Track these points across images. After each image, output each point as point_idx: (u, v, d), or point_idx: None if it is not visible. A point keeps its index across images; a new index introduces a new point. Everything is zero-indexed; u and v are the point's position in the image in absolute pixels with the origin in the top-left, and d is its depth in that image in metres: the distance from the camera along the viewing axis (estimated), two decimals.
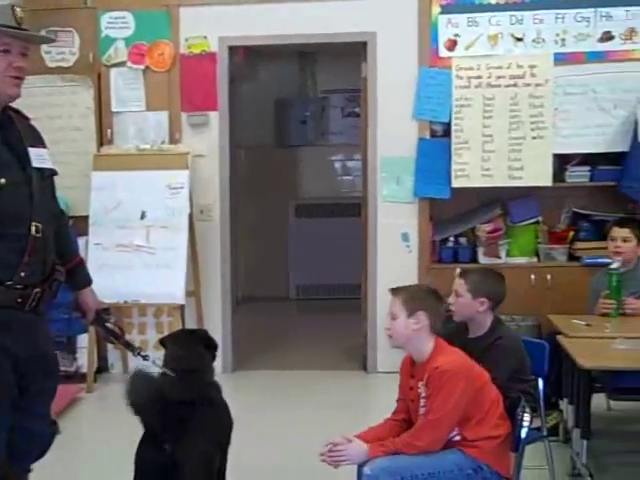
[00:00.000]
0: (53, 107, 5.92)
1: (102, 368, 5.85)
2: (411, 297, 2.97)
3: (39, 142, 2.75)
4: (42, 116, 5.86)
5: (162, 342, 3.37)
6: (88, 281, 2.98)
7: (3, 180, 2.49)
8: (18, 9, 2.53)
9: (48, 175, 2.72)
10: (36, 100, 5.83)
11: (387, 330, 3.04)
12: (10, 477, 2.74)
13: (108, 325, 3.09)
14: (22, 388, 2.65)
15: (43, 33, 5.72)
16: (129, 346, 3.33)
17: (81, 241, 5.64)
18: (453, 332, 3.46)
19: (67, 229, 2.99)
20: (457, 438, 2.88)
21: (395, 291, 3.03)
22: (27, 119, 2.75)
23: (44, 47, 5.86)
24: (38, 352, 2.69)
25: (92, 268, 5.40)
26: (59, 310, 3.06)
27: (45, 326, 2.78)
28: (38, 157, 2.65)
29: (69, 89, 5.90)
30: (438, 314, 2.98)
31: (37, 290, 2.58)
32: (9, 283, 2.50)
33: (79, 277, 2.93)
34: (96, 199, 5.61)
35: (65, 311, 3.06)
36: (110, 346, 5.82)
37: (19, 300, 2.54)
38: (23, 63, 2.55)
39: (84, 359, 5.61)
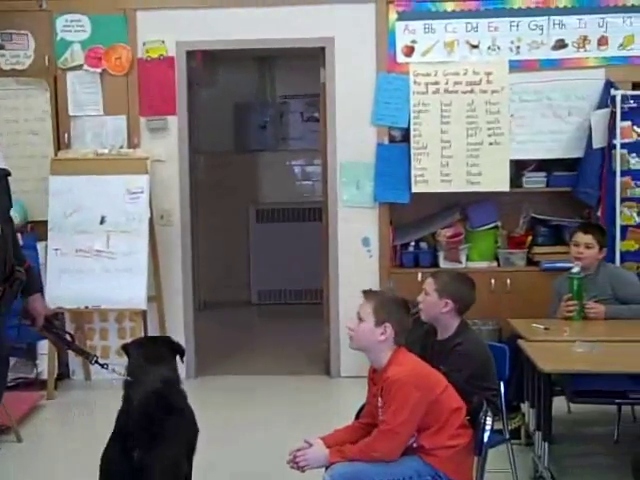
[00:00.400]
0: (9, 110, 5.86)
1: (63, 375, 5.77)
2: (382, 306, 2.99)
3: None
4: None
5: (125, 348, 3.33)
6: (38, 287, 3.03)
7: None
8: None
9: (2, 175, 2.84)
10: None
11: (349, 330, 3.06)
12: None
13: (58, 332, 3.09)
14: None
15: None
16: (83, 353, 3.32)
17: (40, 246, 5.60)
18: (422, 334, 3.51)
19: (15, 234, 3.04)
20: (415, 445, 2.91)
21: (368, 295, 3.05)
22: None
23: None
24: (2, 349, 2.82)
25: (52, 273, 5.47)
26: (17, 316, 3.03)
27: (2, 326, 2.85)
28: None
29: (24, 92, 5.84)
30: (404, 327, 3.01)
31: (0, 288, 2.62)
32: None
33: (28, 283, 2.95)
34: (54, 204, 5.55)
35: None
36: (72, 353, 5.76)
37: None
38: None
39: (44, 365, 5.53)
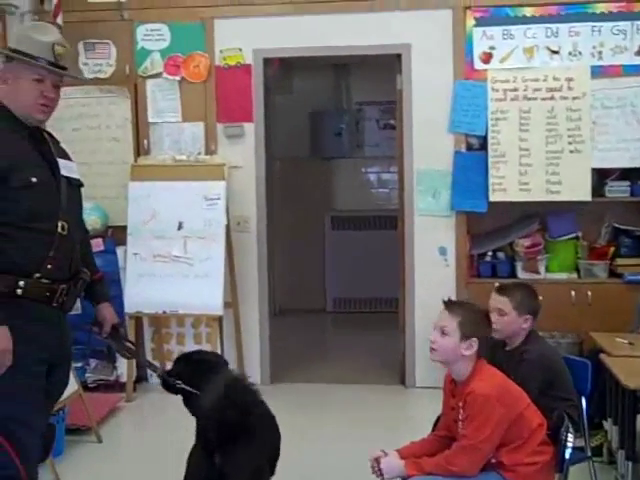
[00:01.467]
0: (91, 118, 5.99)
1: (141, 378, 5.86)
2: (469, 321, 2.94)
3: (67, 157, 3.00)
4: (81, 126, 5.99)
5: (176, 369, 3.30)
6: (107, 297, 3.14)
7: (34, 179, 2.71)
8: (58, 47, 2.82)
9: (76, 185, 2.96)
10: (74, 111, 5.93)
11: (431, 343, 3.00)
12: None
13: (123, 341, 3.21)
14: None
15: (81, 44, 5.87)
16: (150, 365, 3.40)
17: (119, 251, 5.71)
18: (491, 346, 3.45)
19: (89, 246, 3.20)
20: (493, 461, 2.87)
21: (451, 308, 3.00)
22: (57, 141, 3.00)
23: (82, 59, 5.95)
24: (64, 345, 2.90)
25: (131, 278, 5.57)
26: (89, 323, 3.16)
27: (68, 324, 2.94)
28: (66, 167, 2.92)
29: (106, 100, 5.96)
30: (487, 340, 2.98)
31: (63, 286, 2.77)
32: (37, 276, 2.68)
33: (99, 292, 3.10)
34: (133, 209, 5.65)
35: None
36: (149, 356, 5.86)
37: (47, 294, 2.72)
38: (54, 94, 2.83)
39: (124, 368, 5.64)
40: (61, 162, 2.88)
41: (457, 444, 2.86)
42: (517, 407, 2.86)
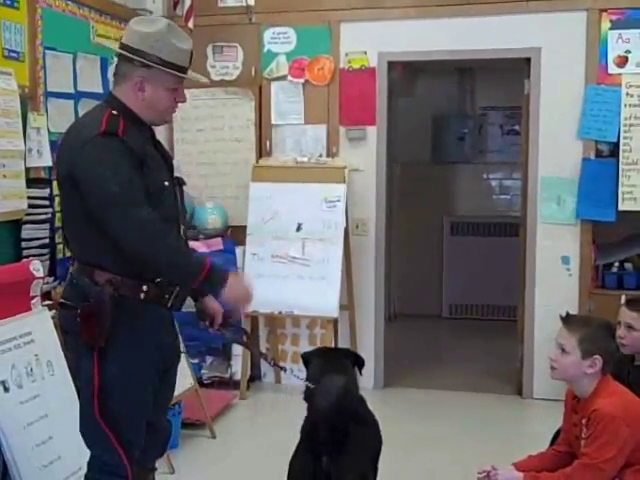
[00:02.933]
0: (215, 119, 6.11)
1: (255, 376, 5.94)
2: (589, 338, 2.82)
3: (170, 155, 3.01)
4: (206, 127, 6.12)
5: (305, 357, 3.37)
6: (207, 290, 3.05)
7: (166, 182, 2.73)
8: (192, 53, 2.79)
9: (182, 184, 2.94)
10: (200, 112, 6.07)
11: (552, 361, 2.90)
12: (140, 475, 2.85)
13: (235, 330, 3.20)
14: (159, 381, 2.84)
15: (210, 47, 6.00)
16: (262, 355, 3.40)
17: (238, 250, 5.79)
18: (618, 359, 3.28)
19: (187, 241, 3.17)
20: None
21: (570, 325, 2.88)
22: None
23: (210, 62, 6.08)
24: (176, 346, 2.96)
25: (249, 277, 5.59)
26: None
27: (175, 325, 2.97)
28: (175, 168, 2.91)
29: (231, 101, 6.06)
30: (612, 355, 2.85)
31: (177, 288, 2.75)
32: (158, 280, 2.68)
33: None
34: (254, 210, 5.71)
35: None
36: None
37: (165, 296, 2.73)
38: (184, 97, 2.83)
39: (238, 366, 5.71)
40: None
41: (579, 462, 2.74)
42: None
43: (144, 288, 2.67)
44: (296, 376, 3.18)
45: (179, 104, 2.82)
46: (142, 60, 2.65)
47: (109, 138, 2.57)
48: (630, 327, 3.29)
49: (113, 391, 2.67)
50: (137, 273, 2.65)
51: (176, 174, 2.90)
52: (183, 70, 2.73)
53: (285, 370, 3.28)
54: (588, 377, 2.82)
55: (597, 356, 2.79)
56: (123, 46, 2.71)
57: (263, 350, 5.94)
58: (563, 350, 2.85)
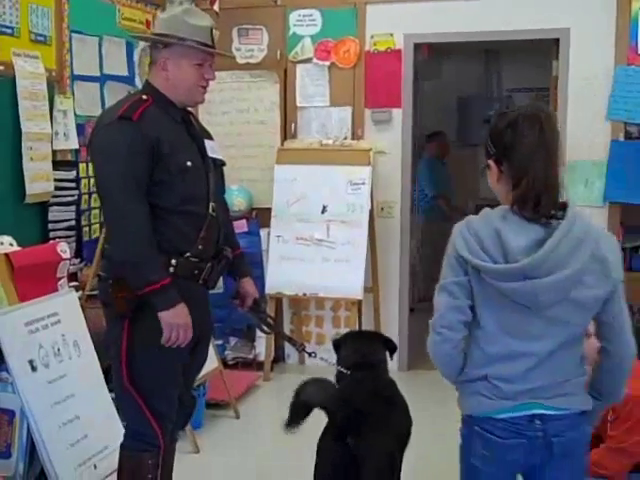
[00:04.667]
0: (241, 101, 6.10)
1: (279, 358, 5.97)
2: None
3: (210, 137, 3.09)
4: (231, 110, 6.12)
5: (337, 343, 3.38)
6: (248, 271, 3.21)
7: (189, 163, 2.80)
8: (215, 31, 2.90)
9: (219, 165, 3.04)
10: (226, 95, 6.06)
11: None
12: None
13: (263, 315, 3.28)
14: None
15: (235, 30, 5.99)
16: (290, 340, 3.44)
17: (263, 233, 5.80)
18: None
19: (231, 224, 3.27)
20: None
21: None
22: (197, 119, 3.08)
23: (235, 44, 6.05)
24: (208, 321, 3.03)
25: (273, 260, 5.65)
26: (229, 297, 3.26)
27: (210, 301, 3.07)
28: (211, 148, 2.98)
29: (256, 84, 6.06)
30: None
31: (209, 264, 2.85)
32: (187, 255, 2.78)
33: (240, 266, 3.18)
34: (278, 192, 5.71)
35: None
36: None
37: (195, 272, 2.82)
38: (213, 75, 2.91)
39: (262, 348, 5.74)
40: (207, 143, 2.95)
41: (606, 446, 2.72)
42: None
43: (173, 262, 2.75)
44: (324, 359, 3.21)
45: (209, 82, 2.91)
46: (162, 40, 2.80)
47: (122, 123, 2.69)
48: None
49: (140, 359, 2.77)
50: (167, 247, 2.74)
51: (214, 155, 2.98)
52: (204, 46, 2.83)
53: (314, 356, 3.30)
54: None
55: None
56: (144, 35, 2.93)
57: (287, 332, 5.97)
58: (588, 335, 2.83)
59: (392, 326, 5.80)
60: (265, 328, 3.33)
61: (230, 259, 3.03)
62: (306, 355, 5.37)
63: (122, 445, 2.92)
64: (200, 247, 2.81)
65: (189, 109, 3.00)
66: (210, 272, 2.86)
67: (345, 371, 3.14)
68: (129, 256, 2.67)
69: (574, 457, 2.24)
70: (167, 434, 2.87)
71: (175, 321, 2.68)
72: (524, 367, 2.15)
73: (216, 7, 5.70)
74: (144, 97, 2.78)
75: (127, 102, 2.77)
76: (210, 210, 2.84)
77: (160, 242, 2.72)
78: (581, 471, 2.29)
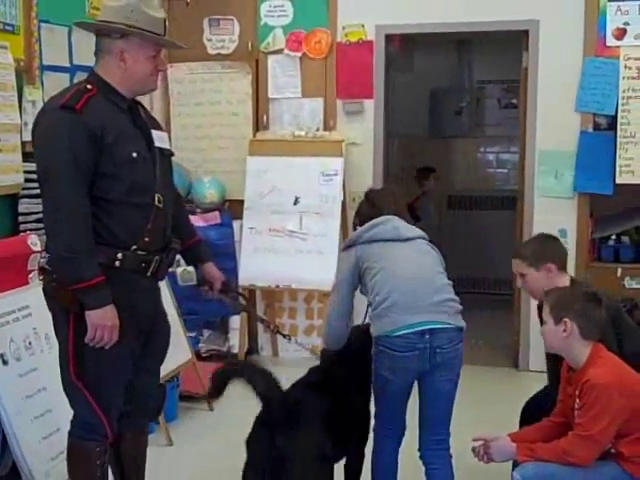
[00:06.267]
0: (212, 93, 6.09)
1: (252, 350, 5.97)
2: (558, 303, 2.84)
3: (159, 126, 3.06)
4: (202, 101, 6.09)
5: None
6: (210, 256, 3.22)
7: (135, 154, 2.76)
8: (167, 22, 2.89)
9: (167, 155, 3.00)
10: (197, 86, 6.05)
11: (541, 334, 2.95)
12: (126, 436, 2.99)
13: (235, 295, 3.34)
14: (142, 346, 2.92)
15: (206, 20, 5.96)
16: (263, 321, 3.47)
17: (235, 224, 5.79)
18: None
19: (185, 210, 3.28)
20: (612, 451, 2.76)
21: (546, 295, 2.92)
22: (145, 109, 3.03)
23: (206, 35, 6.03)
24: (158, 311, 3.02)
25: (246, 251, 5.64)
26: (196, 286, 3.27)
27: (159, 291, 3.06)
28: (159, 138, 2.93)
29: (227, 75, 6.04)
30: (590, 319, 2.81)
31: (157, 257, 2.83)
32: (134, 248, 2.76)
33: (202, 253, 3.19)
34: (251, 184, 5.71)
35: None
36: (260, 328, 5.95)
37: (142, 265, 2.79)
38: (165, 66, 2.95)
39: (236, 340, 5.75)
40: (154, 133, 2.91)
41: (573, 433, 2.76)
42: (638, 397, 2.73)
43: (119, 256, 2.73)
44: (300, 344, 3.27)
45: (160, 73, 2.92)
46: (121, 29, 2.74)
47: (65, 112, 2.65)
48: (521, 275, 3.28)
49: (87, 354, 2.75)
50: (112, 240, 2.72)
51: (161, 145, 2.94)
52: (159, 37, 2.82)
53: (288, 339, 3.41)
54: (570, 344, 2.82)
55: (566, 319, 2.79)
56: (100, 23, 2.81)
57: (260, 324, 5.97)
58: (543, 322, 2.89)
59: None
60: (239, 307, 3.35)
61: (178, 250, 3.02)
62: (279, 347, 5.45)
63: (70, 433, 2.92)
64: (147, 239, 2.77)
65: (137, 99, 2.96)
66: (158, 265, 2.84)
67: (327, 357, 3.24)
68: (63, 249, 2.62)
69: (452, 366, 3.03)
70: (114, 423, 2.87)
71: (102, 322, 2.66)
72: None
73: None
74: (88, 86, 2.73)
75: (70, 91, 2.74)
76: (157, 201, 2.81)
77: (105, 235, 2.70)
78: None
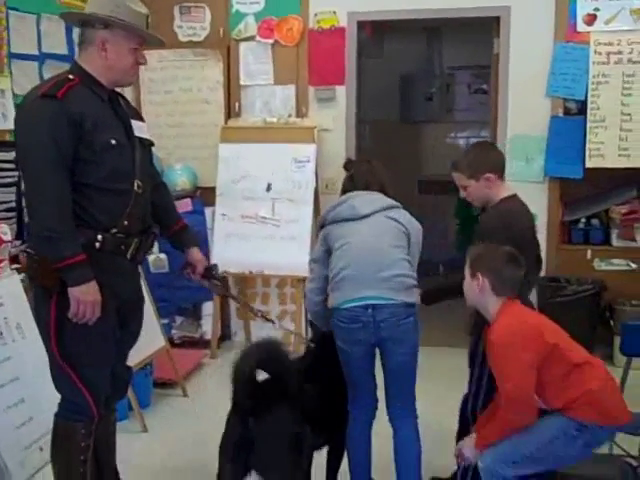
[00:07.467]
0: (184, 80, 6.05)
1: (225, 336, 5.98)
2: (475, 258, 2.89)
3: (139, 117, 3.14)
4: (173, 89, 6.05)
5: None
6: (195, 241, 3.32)
7: (113, 141, 2.84)
8: (149, 18, 2.97)
9: (147, 144, 3.08)
10: (168, 73, 6.01)
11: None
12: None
13: (215, 281, 3.37)
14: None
15: (177, 8, 5.92)
16: (246, 306, 3.53)
17: (207, 211, 5.78)
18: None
19: (170, 197, 3.39)
20: (550, 409, 2.77)
21: (470, 250, 2.96)
22: (128, 102, 3.12)
23: (177, 22, 5.99)
24: (137, 296, 3.11)
25: (218, 238, 5.63)
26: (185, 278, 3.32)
27: (139, 275, 3.16)
28: (138, 128, 3.03)
29: (199, 63, 6.01)
30: (501, 276, 2.82)
31: (136, 240, 2.92)
32: (114, 231, 2.84)
33: (186, 237, 3.29)
34: (223, 171, 5.69)
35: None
36: (234, 315, 5.95)
37: (122, 247, 2.88)
38: (145, 60, 2.99)
39: (208, 326, 5.75)
40: (134, 123, 3.00)
41: (494, 401, 2.82)
42: (547, 346, 2.70)
43: (99, 238, 2.80)
44: (284, 328, 3.34)
45: (140, 66, 2.99)
46: (104, 20, 2.82)
47: (46, 100, 2.73)
48: (463, 187, 3.33)
49: (69, 333, 2.80)
50: (92, 223, 2.79)
51: (141, 135, 3.02)
52: (142, 30, 2.91)
53: (274, 323, 3.59)
54: (483, 299, 2.84)
55: (479, 274, 2.82)
56: (84, 14, 2.89)
57: (233, 310, 5.99)
58: (464, 277, 2.93)
59: None
60: (219, 290, 3.41)
61: (157, 235, 3.13)
62: (252, 333, 5.50)
63: (56, 414, 2.96)
64: (126, 223, 2.86)
65: (118, 90, 3.04)
66: (137, 247, 2.93)
67: (312, 345, 3.30)
68: (45, 229, 2.69)
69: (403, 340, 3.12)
70: (100, 404, 2.92)
71: (84, 298, 2.72)
72: None
73: None
74: (70, 76, 2.81)
75: (52, 80, 2.82)
76: (136, 187, 2.89)
77: (86, 218, 2.77)
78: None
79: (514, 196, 3.28)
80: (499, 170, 3.27)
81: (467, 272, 2.89)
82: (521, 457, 2.74)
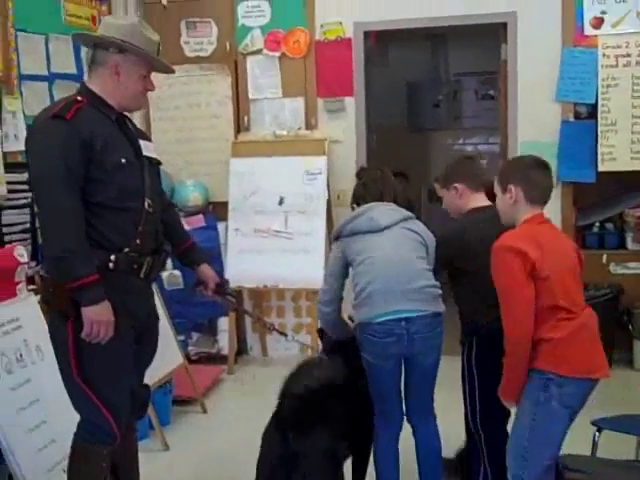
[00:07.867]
0: (192, 95, 6.06)
1: (242, 350, 5.97)
2: (501, 173, 2.89)
3: (146, 137, 3.19)
4: (182, 104, 6.07)
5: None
6: (204, 258, 3.33)
7: (124, 160, 2.85)
8: (160, 46, 3.00)
9: (155, 164, 3.10)
10: (175, 89, 6.01)
11: None
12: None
13: (228, 296, 3.41)
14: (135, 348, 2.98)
15: (183, 23, 5.94)
16: (260, 320, 3.52)
17: (220, 226, 5.78)
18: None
19: (178, 216, 3.43)
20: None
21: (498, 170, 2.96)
22: (132, 121, 3.12)
23: (183, 38, 6.01)
24: (152, 314, 3.10)
25: (232, 253, 5.63)
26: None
27: (153, 293, 3.17)
28: (146, 147, 3.04)
29: (207, 78, 6.02)
30: (532, 183, 2.79)
31: (149, 259, 2.92)
32: (126, 250, 2.83)
33: (196, 255, 3.30)
34: (235, 185, 5.70)
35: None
36: (249, 329, 5.95)
37: (135, 266, 2.87)
38: (154, 87, 3.03)
39: (224, 341, 5.74)
40: (142, 143, 3.01)
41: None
42: (542, 269, 2.65)
43: (112, 258, 2.80)
44: (297, 341, 3.31)
45: (148, 92, 3.02)
46: (120, 45, 2.83)
47: (56, 121, 2.73)
48: (441, 198, 3.40)
49: (88, 355, 2.79)
50: (105, 243, 2.80)
51: (149, 154, 3.04)
52: (153, 57, 2.93)
53: (286, 336, 3.58)
54: (516, 212, 2.81)
55: (511, 185, 2.79)
56: (100, 37, 2.90)
57: (248, 324, 5.98)
58: (497, 197, 2.91)
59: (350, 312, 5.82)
60: (232, 307, 3.40)
61: (169, 253, 3.14)
62: (268, 347, 5.49)
63: (75, 434, 2.93)
64: (138, 242, 2.86)
65: (125, 113, 3.05)
66: (151, 266, 2.93)
67: (324, 357, 3.29)
68: (59, 250, 2.69)
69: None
70: (121, 424, 2.90)
71: (98, 318, 2.72)
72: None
73: (164, 0, 5.63)
74: (78, 98, 2.84)
75: (61, 103, 2.83)
76: (146, 206, 2.90)
77: (98, 239, 2.77)
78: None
79: (485, 207, 3.26)
80: (468, 180, 3.30)
81: (498, 190, 2.87)
82: (524, 450, 2.73)
